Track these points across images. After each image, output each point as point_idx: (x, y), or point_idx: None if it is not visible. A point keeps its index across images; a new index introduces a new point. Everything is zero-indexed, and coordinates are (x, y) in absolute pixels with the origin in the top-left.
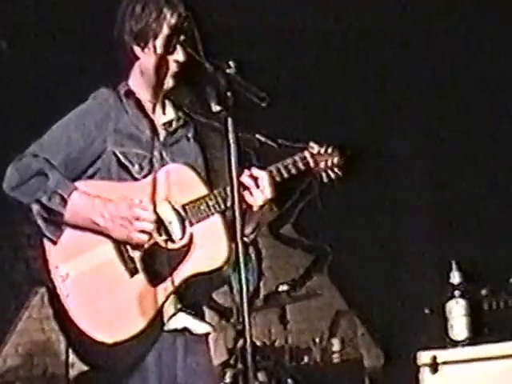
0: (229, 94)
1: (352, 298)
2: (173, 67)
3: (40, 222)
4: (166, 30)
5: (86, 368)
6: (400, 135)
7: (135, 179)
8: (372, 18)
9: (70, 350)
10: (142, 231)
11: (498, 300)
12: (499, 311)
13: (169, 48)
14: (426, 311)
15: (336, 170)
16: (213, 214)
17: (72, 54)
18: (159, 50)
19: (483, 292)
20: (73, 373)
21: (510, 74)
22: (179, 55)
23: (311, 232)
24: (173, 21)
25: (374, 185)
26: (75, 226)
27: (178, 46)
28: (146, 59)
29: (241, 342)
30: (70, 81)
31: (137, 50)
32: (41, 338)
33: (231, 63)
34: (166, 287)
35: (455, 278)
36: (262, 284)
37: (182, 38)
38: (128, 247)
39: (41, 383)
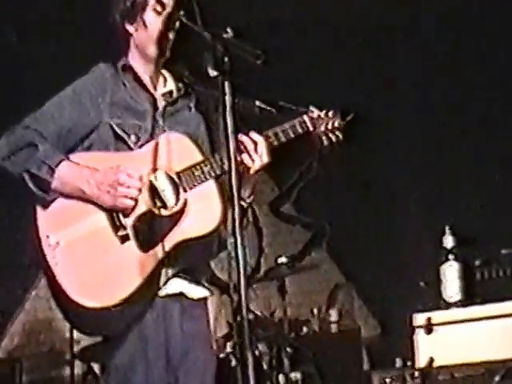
0: (226, 58)
1: (349, 270)
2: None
3: (32, 186)
4: (152, 2)
5: (90, 343)
6: (398, 102)
7: (131, 150)
8: None
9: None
10: (127, 196)
11: (490, 270)
12: (491, 281)
13: (169, 25)
14: (422, 284)
15: (337, 132)
16: (207, 179)
17: (78, 41)
18: (148, 23)
19: (476, 262)
20: (77, 348)
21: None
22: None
23: (310, 209)
24: None
25: (367, 153)
26: (65, 195)
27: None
28: (138, 35)
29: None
30: (76, 66)
31: (129, 27)
32: (47, 316)
33: (228, 29)
34: (157, 253)
35: (448, 242)
36: (262, 260)
37: (181, 13)
38: (120, 215)
39: (47, 360)
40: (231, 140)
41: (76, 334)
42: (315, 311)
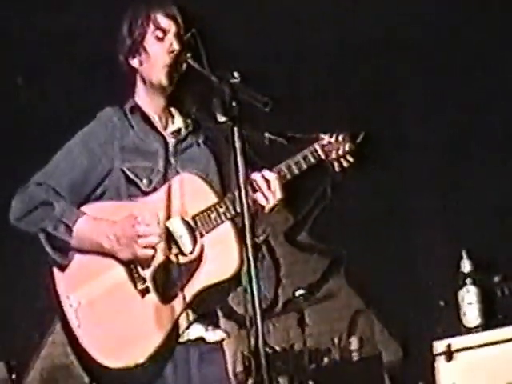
0: (234, 103)
1: (368, 296)
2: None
3: (49, 249)
4: (152, 29)
5: None
6: (410, 122)
7: (145, 193)
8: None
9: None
10: (148, 246)
11: (510, 286)
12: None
13: (176, 65)
14: (441, 303)
15: (348, 157)
16: (223, 221)
17: (84, 83)
18: (149, 48)
19: (496, 279)
20: None
21: None
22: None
23: (326, 236)
24: (161, 20)
25: (382, 177)
26: (83, 251)
27: (172, 36)
28: (143, 67)
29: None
30: (84, 110)
31: (133, 62)
32: (64, 362)
33: (235, 73)
34: (177, 304)
35: (466, 266)
36: (280, 291)
37: (188, 55)
38: (138, 267)
39: None
40: (242, 185)
41: None
42: (336, 340)
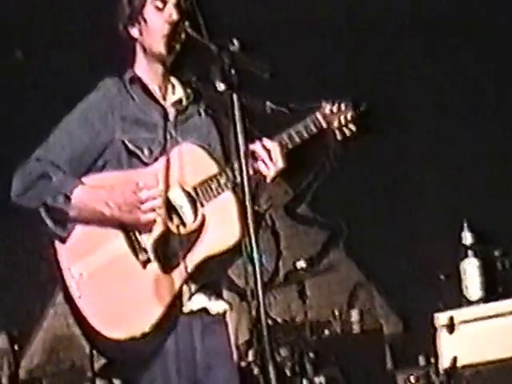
0: (233, 71)
1: (369, 269)
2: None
3: (49, 222)
4: None
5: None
6: (411, 93)
7: (145, 164)
8: None
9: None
10: (151, 210)
11: (510, 260)
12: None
13: (175, 35)
14: (442, 277)
15: (350, 125)
16: (224, 191)
17: (84, 56)
18: (148, 18)
19: (496, 253)
20: (98, 364)
21: None
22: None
23: (326, 209)
24: None
25: (382, 147)
26: (84, 221)
27: (172, 6)
28: (143, 36)
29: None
30: (83, 83)
31: (132, 31)
32: (66, 332)
33: (235, 41)
34: (179, 273)
35: (467, 238)
36: (280, 263)
37: (187, 23)
38: (139, 238)
39: (68, 377)
40: (242, 153)
41: None
42: (336, 313)
